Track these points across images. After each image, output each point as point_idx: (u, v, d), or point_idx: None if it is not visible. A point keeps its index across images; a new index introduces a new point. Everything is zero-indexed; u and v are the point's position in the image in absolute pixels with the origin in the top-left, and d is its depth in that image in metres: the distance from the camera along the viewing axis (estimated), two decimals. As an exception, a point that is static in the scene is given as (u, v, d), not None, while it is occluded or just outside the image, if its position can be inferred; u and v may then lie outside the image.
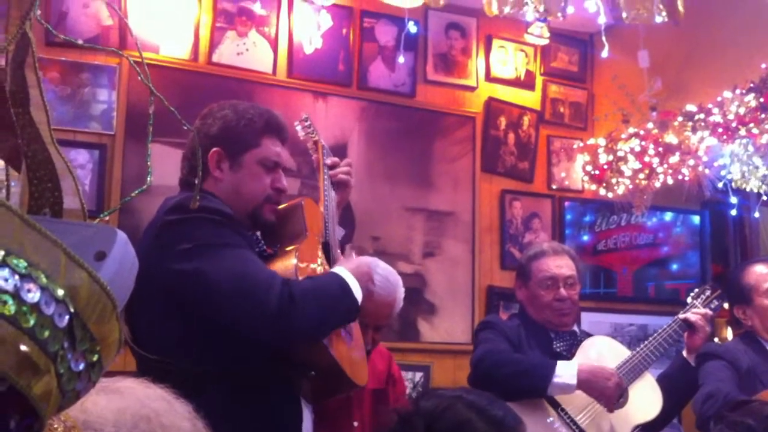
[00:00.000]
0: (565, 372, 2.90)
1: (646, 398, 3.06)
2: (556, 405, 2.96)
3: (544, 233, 4.85)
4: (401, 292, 2.86)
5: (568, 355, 3.09)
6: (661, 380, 3.18)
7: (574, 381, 2.89)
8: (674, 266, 5.15)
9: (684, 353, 3.20)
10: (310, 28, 4.31)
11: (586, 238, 4.96)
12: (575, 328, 3.25)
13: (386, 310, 2.81)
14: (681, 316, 3.20)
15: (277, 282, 1.97)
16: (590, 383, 2.90)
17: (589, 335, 3.30)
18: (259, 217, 2.22)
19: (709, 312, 3.21)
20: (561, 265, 3.17)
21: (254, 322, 1.97)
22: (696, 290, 3.35)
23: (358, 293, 2.14)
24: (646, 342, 3.17)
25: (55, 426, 0.76)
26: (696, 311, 3.18)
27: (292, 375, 2.15)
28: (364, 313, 2.69)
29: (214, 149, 2.17)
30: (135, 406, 0.92)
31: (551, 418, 2.94)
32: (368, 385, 2.80)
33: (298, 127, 2.55)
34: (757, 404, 1.91)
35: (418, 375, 4.38)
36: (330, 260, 2.31)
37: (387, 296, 2.78)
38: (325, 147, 2.55)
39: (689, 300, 3.29)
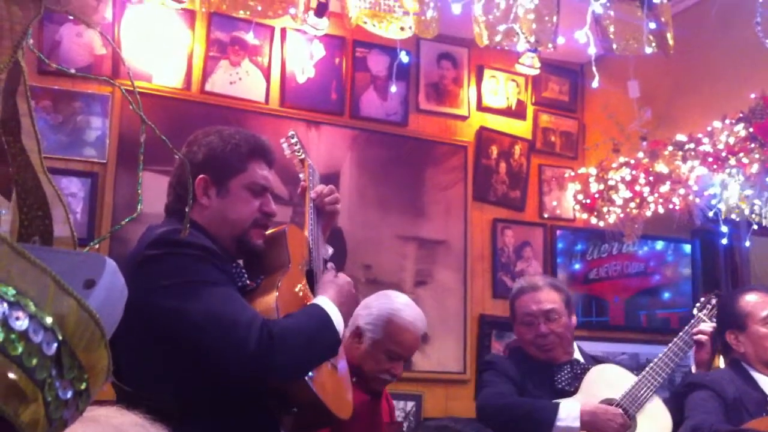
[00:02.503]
0: (567, 415, 2.86)
1: (655, 423, 3.03)
2: None
3: (535, 262, 4.86)
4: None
5: (571, 388, 3.05)
6: (672, 398, 3.17)
7: (576, 424, 2.86)
8: (666, 295, 5.16)
9: (693, 369, 3.19)
10: (302, 57, 4.34)
11: (577, 266, 4.97)
12: (576, 355, 3.21)
13: (419, 342, 2.97)
14: (694, 331, 3.19)
15: (257, 322, 1.94)
16: (593, 425, 2.88)
17: (596, 360, 3.26)
18: (248, 243, 2.19)
19: (713, 326, 3.20)
20: (539, 300, 3.12)
21: (233, 362, 1.93)
22: (702, 300, 3.32)
23: (340, 325, 2.11)
24: (651, 365, 3.12)
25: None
26: (702, 329, 3.18)
27: (273, 410, 2.12)
28: (407, 347, 2.86)
29: (201, 176, 2.15)
30: None
31: None
32: (384, 419, 2.95)
33: (284, 145, 2.52)
34: None
35: (410, 404, 4.35)
36: (314, 289, 2.28)
37: (423, 327, 2.93)
38: (311, 166, 2.51)
39: (695, 312, 3.27)
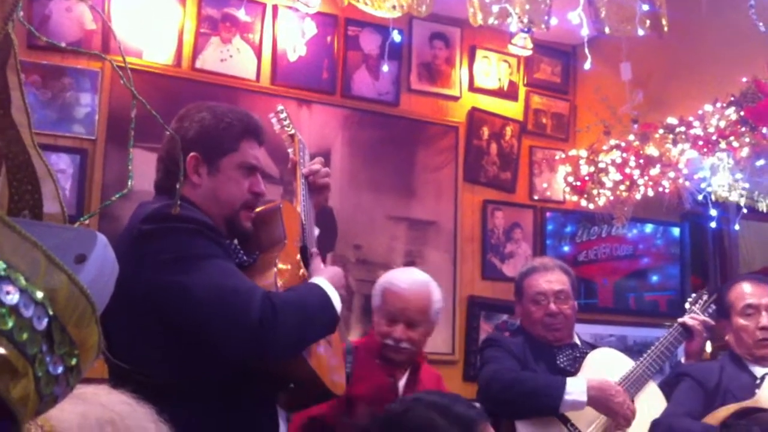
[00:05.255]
0: (575, 389, 2.92)
1: (651, 408, 3.09)
2: (565, 420, 2.98)
3: (525, 243, 4.87)
4: (432, 292, 2.97)
5: (572, 369, 3.11)
6: (662, 388, 3.22)
7: (584, 398, 2.91)
8: (654, 278, 5.18)
9: (683, 360, 3.25)
10: (294, 35, 4.31)
11: (567, 249, 4.98)
12: (576, 339, 3.27)
13: (413, 304, 2.90)
14: (680, 320, 3.26)
15: (258, 294, 1.93)
16: (599, 399, 2.93)
17: (592, 346, 3.34)
18: (237, 224, 2.19)
19: (708, 319, 3.27)
20: (551, 281, 3.19)
21: (235, 335, 1.92)
22: (693, 296, 3.41)
23: (338, 304, 2.12)
24: (648, 351, 3.21)
25: (33, 431, 0.75)
26: (694, 316, 3.25)
27: (270, 386, 2.13)
28: (396, 306, 2.89)
29: (192, 154, 2.13)
30: (99, 411, 0.91)
31: None
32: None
33: (273, 120, 2.50)
34: (761, 414, 1.92)
35: (399, 384, 4.37)
36: (308, 264, 2.29)
37: (419, 291, 2.93)
38: (301, 141, 2.49)
39: (687, 306, 3.36)
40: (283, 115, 2.52)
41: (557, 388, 2.91)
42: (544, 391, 2.92)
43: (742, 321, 3.15)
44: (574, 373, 3.09)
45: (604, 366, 3.15)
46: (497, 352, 3.10)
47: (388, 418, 1.73)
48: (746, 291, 3.21)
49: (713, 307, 3.34)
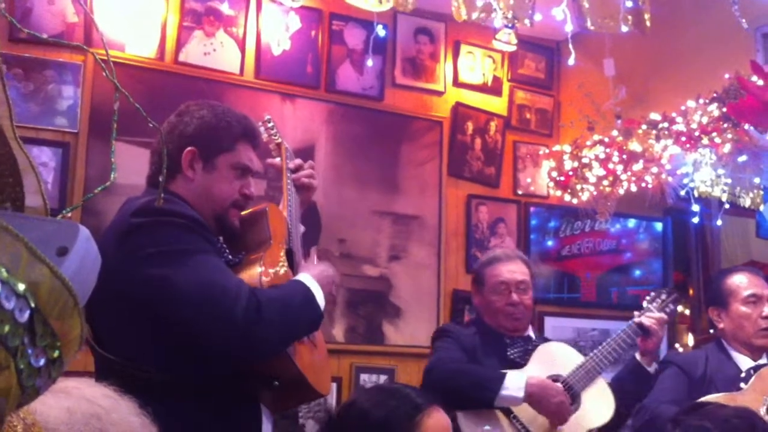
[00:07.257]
0: (513, 384, 2.91)
1: (598, 403, 3.09)
2: (508, 412, 2.98)
3: (509, 238, 4.88)
4: None
5: (522, 361, 3.10)
6: (614, 383, 3.22)
7: (521, 394, 2.91)
8: (637, 272, 5.21)
9: (637, 356, 3.23)
10: (278, 29, 4.30)
11: (550, 243, 5.00)
12: (530, 332, 3.27)
13: None
14: (635, 320, 3.22)
15: (245, 290, 1.95)
16: (537, 397, 2.92)
17: (546, 340, 3.33)
18: (226, 222, 2.21)
19: (664, 316, 3.23)
20: (513, 270, 3.20)
21: (220, 330, 1.93)
22: (652, 294, 3.37)
23: (321, 301, 2.13)
24: (599, 347, 3.18)
25: (15, 423, 0.75)
26: (650, 315, 3.21)
27: (254, 384, 2.13)
28: None
29: (189, 148, 2.16)
30: (84, 405, 0.91)
31: (503, 426, 2.97)
32: None
33: (261, 129, 2.54)
34: (712, 407, 1.93)
35: (383, 378, 4.38)
36: (293, 267, 2.31)
37: None
38: (288, 150, 2.54)
39: (645, 304, 3.30)
40: (270, 125, 2.56)
41: (495, 382, 2.91)
42: (482, 385, 2.92)
43: (744, 309, 3.16)
44: (523, 365, 3.09)
45: (553, 359, 3.14)
46: (446, 343, 3.12)
47: (341, 409, 1.82)
48: (748, 280, 3.23)
49: (671, 306, 3.31)
